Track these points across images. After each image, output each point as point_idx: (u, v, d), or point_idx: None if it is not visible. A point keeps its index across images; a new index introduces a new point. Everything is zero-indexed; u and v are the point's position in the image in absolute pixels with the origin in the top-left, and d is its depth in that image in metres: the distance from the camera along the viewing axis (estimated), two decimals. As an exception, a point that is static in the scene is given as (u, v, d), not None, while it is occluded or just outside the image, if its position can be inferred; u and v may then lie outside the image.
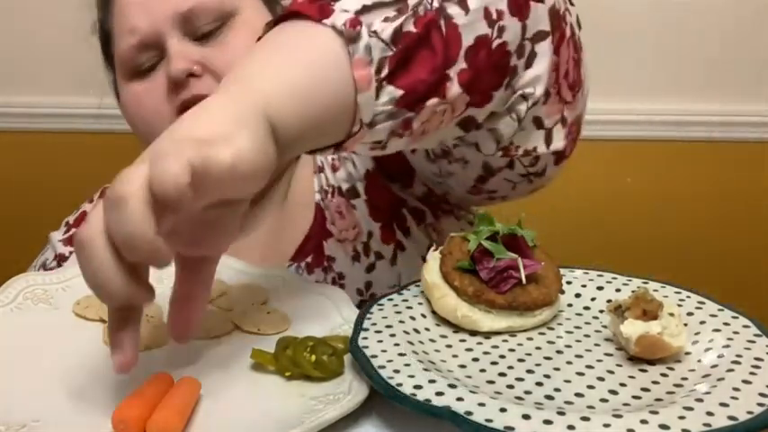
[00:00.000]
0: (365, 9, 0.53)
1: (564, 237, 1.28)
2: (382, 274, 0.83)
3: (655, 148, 1.47)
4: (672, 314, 0.52)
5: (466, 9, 0.55)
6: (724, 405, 0.44)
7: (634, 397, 0.48)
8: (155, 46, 0.79)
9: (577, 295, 0.63)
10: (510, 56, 0.59)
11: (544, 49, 0.60)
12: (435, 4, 0.54)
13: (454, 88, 0.56)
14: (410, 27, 0.53)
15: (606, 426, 0.43)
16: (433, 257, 0.61)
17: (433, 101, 0.55)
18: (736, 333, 0.53)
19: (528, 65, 0.60)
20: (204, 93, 0.75)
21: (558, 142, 0.67)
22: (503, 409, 0.44)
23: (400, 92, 0.53)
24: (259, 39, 0.56)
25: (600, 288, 0.63)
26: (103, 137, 1.44)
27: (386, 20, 0.53)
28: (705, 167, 1.48)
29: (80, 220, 0.91)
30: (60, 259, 0.87)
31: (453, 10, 0.55)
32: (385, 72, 0.52)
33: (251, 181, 0.45)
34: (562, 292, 0.62)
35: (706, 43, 1.43)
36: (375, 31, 0.52)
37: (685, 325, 0.54)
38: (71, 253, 0.87)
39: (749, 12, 1.41)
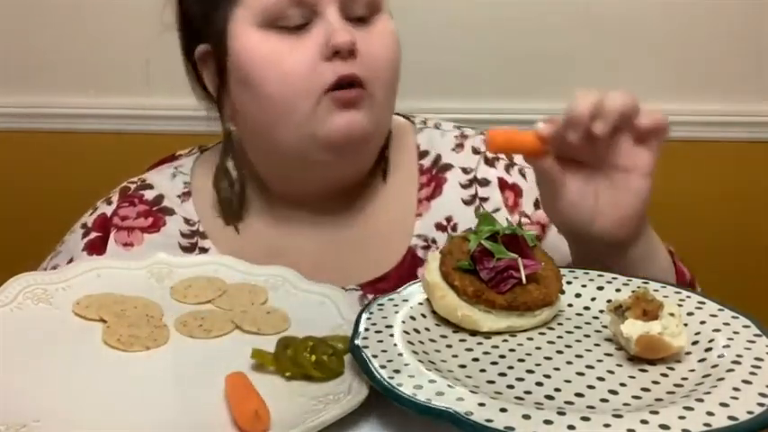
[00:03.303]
0: None
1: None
2: None
3: (654, 147, 1.47)
4: (672, 314, 0.52)
5: None
6: (724, 405, 0.44)
7: (634, 397, 0.48)
8: (309, 7, 0.77)
9: (577, 295, 0.63)
10: None
11: None
12: None
13: None
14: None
15: (606, 426, 0.43)
16: (433, 257, 0.61)
17: None
18: (736, 333, 0.53)
19: None
20: (360, 74, 0.76)
21: None
22: (503, 410, 0.44)
23: None
24: None
25: (600, 288, 0.63)
26: (104, 137, 1.44)
27: None
28: (705, 167, 1.48)
29: (99, 223, 0.86)
30: None
31: None
32: None
33: None
34: (562, 292, 0.61)
35: (706, 43, 1.43)
36: None
37: (685, 325, 0.54)
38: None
39: (750, 11, 1.41)
